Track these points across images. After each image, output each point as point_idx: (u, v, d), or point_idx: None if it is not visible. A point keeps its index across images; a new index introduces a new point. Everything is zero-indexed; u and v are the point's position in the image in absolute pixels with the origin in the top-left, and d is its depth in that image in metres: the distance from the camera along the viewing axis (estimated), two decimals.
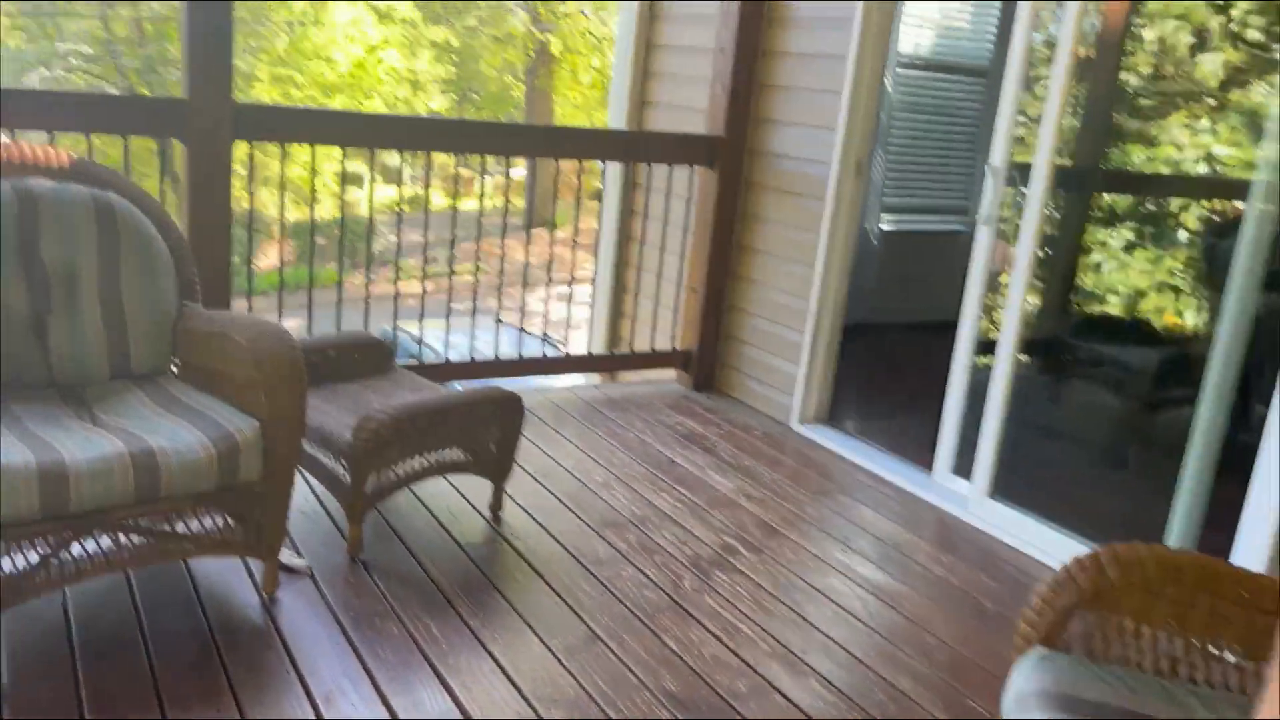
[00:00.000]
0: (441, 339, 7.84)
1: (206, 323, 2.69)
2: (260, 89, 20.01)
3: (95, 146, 3.22)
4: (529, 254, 3.92)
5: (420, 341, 4.21)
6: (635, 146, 4.44)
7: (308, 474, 2.95)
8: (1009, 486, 3.51)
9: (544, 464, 3.63)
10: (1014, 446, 3.55)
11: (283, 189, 3.78)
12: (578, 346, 4.95)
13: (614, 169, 5.06)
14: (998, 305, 3.73)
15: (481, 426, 3.01)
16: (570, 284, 4.64)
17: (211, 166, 3.31)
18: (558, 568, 2.91)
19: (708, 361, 4.60)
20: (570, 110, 24.82)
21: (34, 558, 2.23)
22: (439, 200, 19.45)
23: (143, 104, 3.64)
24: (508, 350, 4.50)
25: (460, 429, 2.96)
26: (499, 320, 4.39)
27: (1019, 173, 3.45)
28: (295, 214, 19.47)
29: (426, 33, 23.67)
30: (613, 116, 5.28)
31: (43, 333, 2.62)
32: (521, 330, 4.57)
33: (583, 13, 23.04)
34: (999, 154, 3.44)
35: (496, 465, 3.12)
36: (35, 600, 2.27)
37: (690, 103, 4.77)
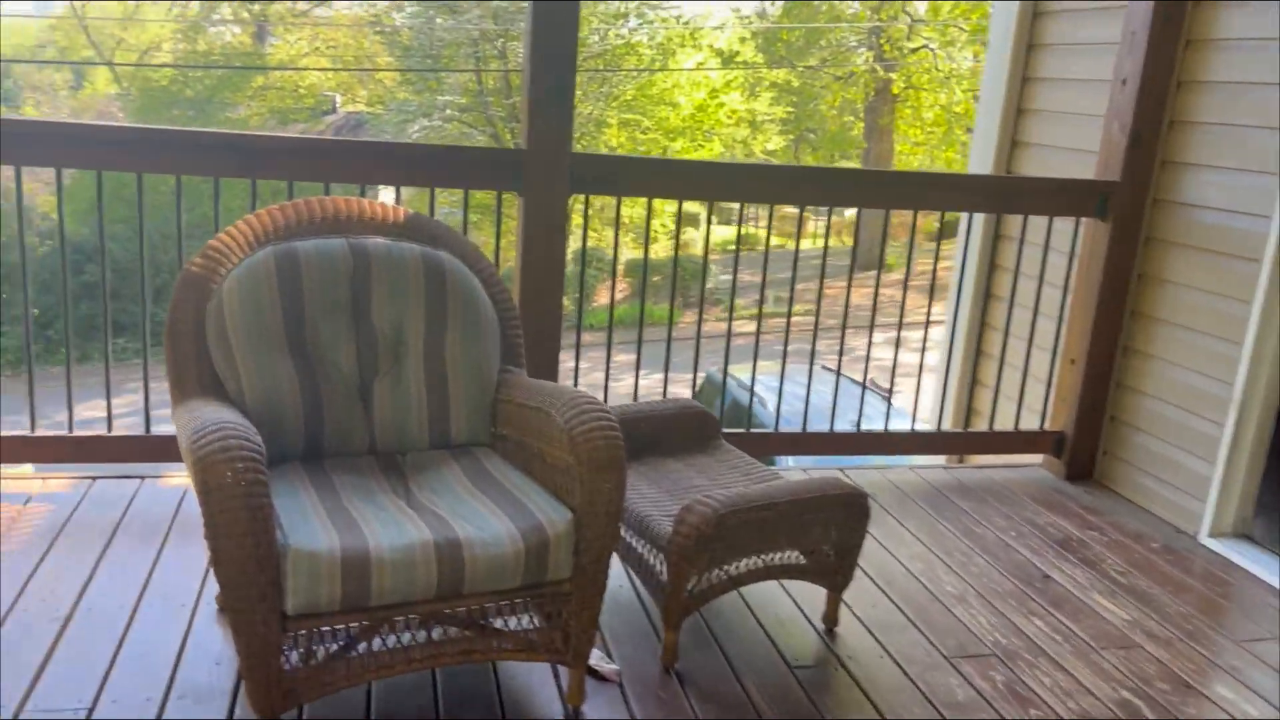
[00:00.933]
0: (767, 384, 7.49)
1: (526, 393, 2.46)
2: (610, 134, 21.00)
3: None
4: (860, 297, 3.48)
5: (751, 393, 3.83)
6: (1008, 195, 3.82)
7: (623, 561, 2.66)
8: None
9: (885, 564, 3.12)
10: None
11: (617, 232, 3.58)
12: (918, 406, 4.37)
13: (975, 216, 4.46)
14: None
15: (819, 527, 2.57)
16: (925, 333, 4.09)
17: (547, 220, 3.15)
18: (902, 707, 2.40)
19: (1086, 448, 3.86)
20: (909, 149, 23.91)
21: (333, 649, 2.08)
22: (758, 236, 19.34)
23: (481, 156, 3.58)
24: (843, 401, 4.01)
25: (794, 528, 2.54)
26: (839, 374, 3.91)
27: None
28: (631, 252, 20.16)
29: (768, 74, 23.80)
30: (976, 159, 4.68)
31: (368, 397, 2.51)
32: (865, 388, 4.05)
33: (928, 48, 22.13)
34: None
35: (834, 572, 2.66)
36: (340, 692, 2.12)
37: (1074, 143, 4.09)
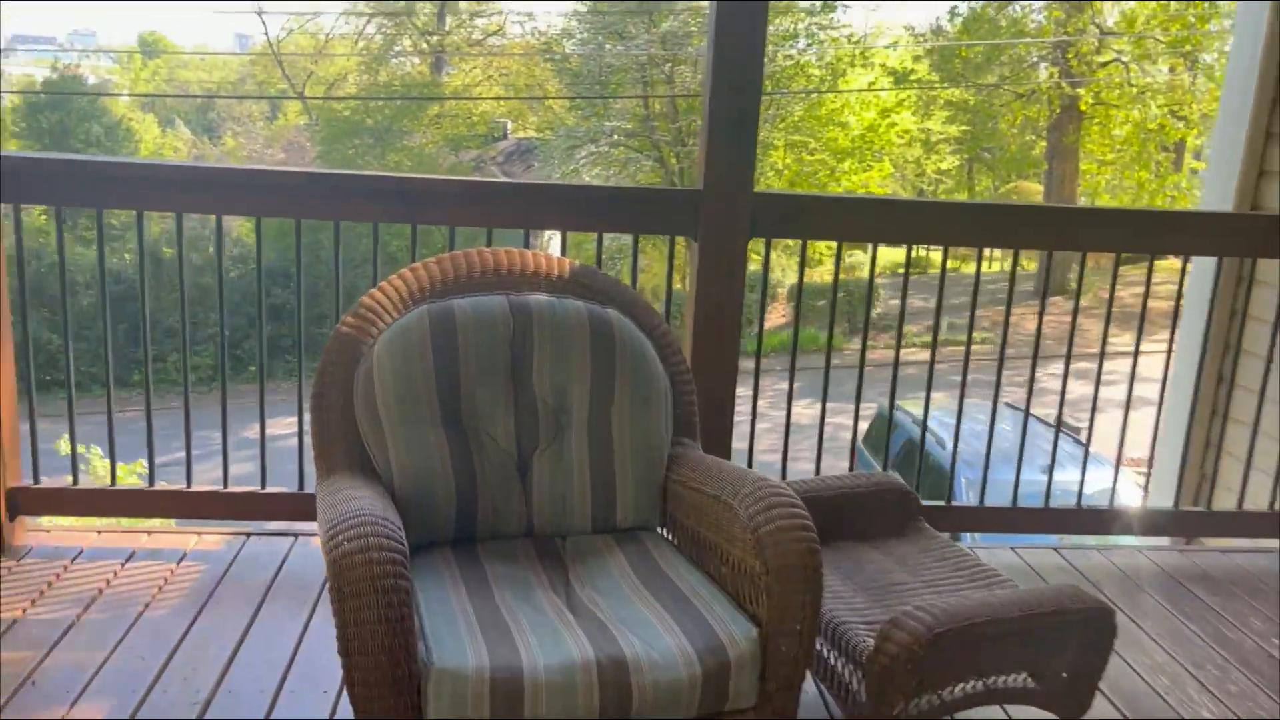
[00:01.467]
0: (943, 420, 6.87)
1: (701, 476, 2.14)
2: (775, 155, 20.60)
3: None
4: (1045, 326, 2.96)
5: (954, 455, 3.36)
6: (1264, 237, 3.24)
7: (810, 670, 2.29)
8: None
9: (1123, 678, 2.63)
10: None
11: (801, 277, 3.22)
12: (1151, 475, 3.80)
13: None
14: None
15: (1053, 646, 2.14)
16: (1133, 365, 3.53)
17: (723, 269, 2.82)
18: None
19: None
20: (1094, 168, 22.47)
21: None
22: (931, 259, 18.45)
23: (654, 198, 3.32)
24: (1036, 448, 3.50)
25: (1023, 648, 2.12)
26: (1058, 429, 3.41)
27: None
28: (791, 275, 19.61)
29: (942, 93, 22.88)
30: (1213, 192, 4.08)
31: (526, 474, 2.24)
32: (1087, 450, 3.50)
33: (1119, 61, 20.73)
34: None
35: (1067, 698, 2.21)
36: None
37: None
